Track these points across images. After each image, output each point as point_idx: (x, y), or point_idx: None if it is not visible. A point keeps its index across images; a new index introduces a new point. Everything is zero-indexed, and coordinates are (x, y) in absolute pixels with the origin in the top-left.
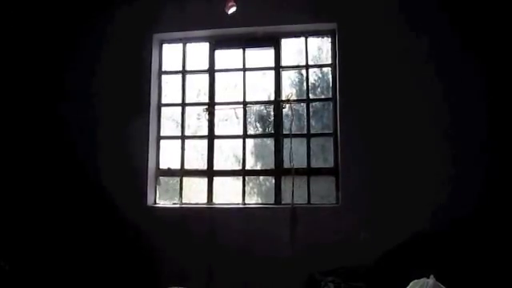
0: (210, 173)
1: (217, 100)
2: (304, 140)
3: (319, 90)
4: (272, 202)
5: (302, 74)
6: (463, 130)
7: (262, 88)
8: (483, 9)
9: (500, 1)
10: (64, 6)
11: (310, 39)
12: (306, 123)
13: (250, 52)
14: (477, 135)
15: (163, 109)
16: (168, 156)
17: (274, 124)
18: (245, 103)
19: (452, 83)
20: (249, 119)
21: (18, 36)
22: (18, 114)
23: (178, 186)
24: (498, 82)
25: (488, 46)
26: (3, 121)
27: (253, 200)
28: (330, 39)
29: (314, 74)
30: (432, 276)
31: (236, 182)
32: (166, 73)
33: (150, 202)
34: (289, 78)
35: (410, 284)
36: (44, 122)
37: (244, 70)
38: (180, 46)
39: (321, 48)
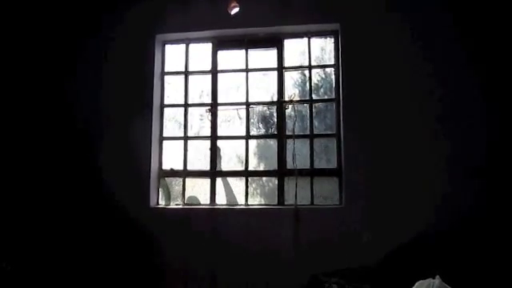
0: (212, 173)
1: (219, 101)
2: (307, 141)
3: (322, 90)
4: (275, 202)
5: (304, 75)
6: (465, 130)
7: (264, 89)
8: (486, 9)
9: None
10: (67, 7)
11: (313, 40)
12: (308, 124)
13: (252, 53)
14: (479, 136)
15: (166, 109)
16: (171, 157)
17: (276, 125)
18: (247, 104)
19: (454, 85)
20: (251, 120)
21: (22, 39)
22: (21, 116)
23: (181, 187)
24: (496, 84)
25: (489, 52)
26: (8, 123)
27: (256, 201)
28: (332, 40)
29: (316, 75)
30: (438, 276)
31: (239, 183)
32: (169, 73)
33: (152, 202)
34: (291, 79)
35: (416, 284)
36: (46, 123)
37: (247, 70)
38: (183, 46)
39: (324, 48)
